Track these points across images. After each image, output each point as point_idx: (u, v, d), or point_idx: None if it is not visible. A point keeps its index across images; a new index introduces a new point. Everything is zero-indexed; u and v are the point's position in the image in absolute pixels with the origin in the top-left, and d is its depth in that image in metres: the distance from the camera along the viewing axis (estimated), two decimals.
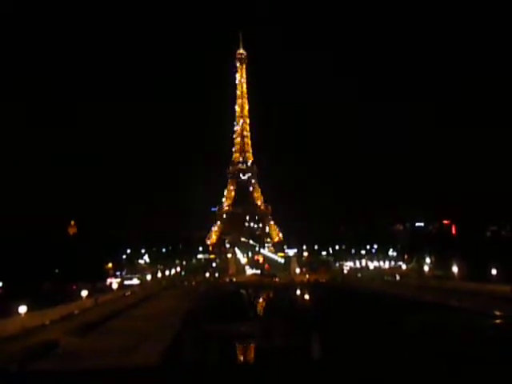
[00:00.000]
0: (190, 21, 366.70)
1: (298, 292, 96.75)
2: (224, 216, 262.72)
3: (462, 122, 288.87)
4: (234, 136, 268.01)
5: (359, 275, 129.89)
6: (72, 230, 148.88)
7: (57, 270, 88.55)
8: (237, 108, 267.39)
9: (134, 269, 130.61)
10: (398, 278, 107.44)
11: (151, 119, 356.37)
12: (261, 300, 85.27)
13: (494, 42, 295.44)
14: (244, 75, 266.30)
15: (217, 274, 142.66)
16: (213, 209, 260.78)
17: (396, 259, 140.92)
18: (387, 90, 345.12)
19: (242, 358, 35.64)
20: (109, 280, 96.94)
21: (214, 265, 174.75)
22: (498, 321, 46.75)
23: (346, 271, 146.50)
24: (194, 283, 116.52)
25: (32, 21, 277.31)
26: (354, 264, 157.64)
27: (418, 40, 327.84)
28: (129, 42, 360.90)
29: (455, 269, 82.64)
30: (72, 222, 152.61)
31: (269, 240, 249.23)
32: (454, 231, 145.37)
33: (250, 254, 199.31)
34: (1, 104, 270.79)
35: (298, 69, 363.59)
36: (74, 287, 74.32)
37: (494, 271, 71.11)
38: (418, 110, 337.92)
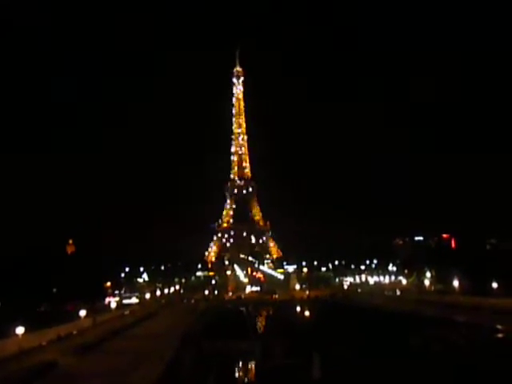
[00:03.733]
0: (187, 35, 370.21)
1: (298, 309, 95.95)
2: (223, 233, 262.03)
3: (461, 134, 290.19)
4: (232, 152, 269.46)
5: (359, 290, 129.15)
6: (70, 249, 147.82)
7: (55, 290, 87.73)
8: (234, 124, 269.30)
9: (132, 287, 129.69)
10: (398, 292, 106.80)
11: (149, 135, 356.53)
12: (260, 318, 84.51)
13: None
14: (241, 92, 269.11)
15: (216, 292, 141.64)
16: (211, 225, 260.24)
17: (396, 274, 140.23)
18: (387, 94, 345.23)
19: (241, 378, 35.14)
20: (107, 299, 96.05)
21: (213, 282, 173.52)
22: (500, 335, 46.37)
23: (346, 287, 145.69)
24: (193, 301, 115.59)
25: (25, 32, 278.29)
26: (354, 279, 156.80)
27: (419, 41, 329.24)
28: (128, 47, 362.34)
29: (456, 283, 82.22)
30: (70, 241, 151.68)
31: (268, 256, 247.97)
32: (453, 245, 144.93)
33: (249, 270, 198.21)
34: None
35: (294, 79, 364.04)
36: (72, 307, 73.58)
37: (494, 285, 70.77)
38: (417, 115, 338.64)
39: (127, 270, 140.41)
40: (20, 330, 39.26)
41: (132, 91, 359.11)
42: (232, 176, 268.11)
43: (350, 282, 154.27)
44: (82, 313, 58.15)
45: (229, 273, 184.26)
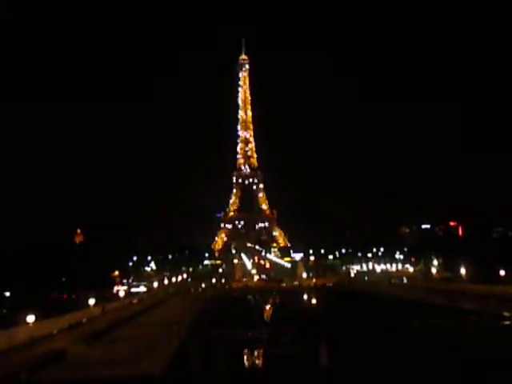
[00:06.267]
0: (192, 26, 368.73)
1: (305, 297, 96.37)
2: (229, 222, 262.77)
3: (466, 123, 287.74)
4: (239, 142, 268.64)
5: (366, 278, 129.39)
6: (78, 239, 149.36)
7: (64, 279, 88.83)
8: (241, 114, 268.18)
9: (140, 276, 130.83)
10: (405, 280, 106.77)
11: (155, 124, 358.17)
12: (268, 306, 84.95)
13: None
14: (247, 81, 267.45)
15: (223, 280, 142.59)
16: (218, 215, 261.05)
17: (403, 262, 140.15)
18: (387, 90, 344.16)
19: (249, 365, 35.47)
20: (116, 288, 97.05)
21: (220, 271, 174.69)
22: (507, 322, 46.34)
23: (352, 275, 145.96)
24: (200, 289, 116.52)
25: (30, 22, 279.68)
26: (361, 267, 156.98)
27: (419, 42, 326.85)
28: (130, 42, 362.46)
29: (463, 270, 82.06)
30: (78, 231, 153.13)
31: (275, 245, 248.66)
32: (460, 232, 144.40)
33: (256, 259, 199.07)
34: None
35: (301, 69, 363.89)
36: (81, 296, 74.48)
37: (502, 272, 70.62)
38: (420, 110, 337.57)
39: (135, 259, 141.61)
40: (30, 319, 39.81)
41: (132, 89, 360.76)
42: (238, 165, 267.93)
43: (357, 270, 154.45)
44: (91, 301, 58.79)
45: (236, 261, 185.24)
